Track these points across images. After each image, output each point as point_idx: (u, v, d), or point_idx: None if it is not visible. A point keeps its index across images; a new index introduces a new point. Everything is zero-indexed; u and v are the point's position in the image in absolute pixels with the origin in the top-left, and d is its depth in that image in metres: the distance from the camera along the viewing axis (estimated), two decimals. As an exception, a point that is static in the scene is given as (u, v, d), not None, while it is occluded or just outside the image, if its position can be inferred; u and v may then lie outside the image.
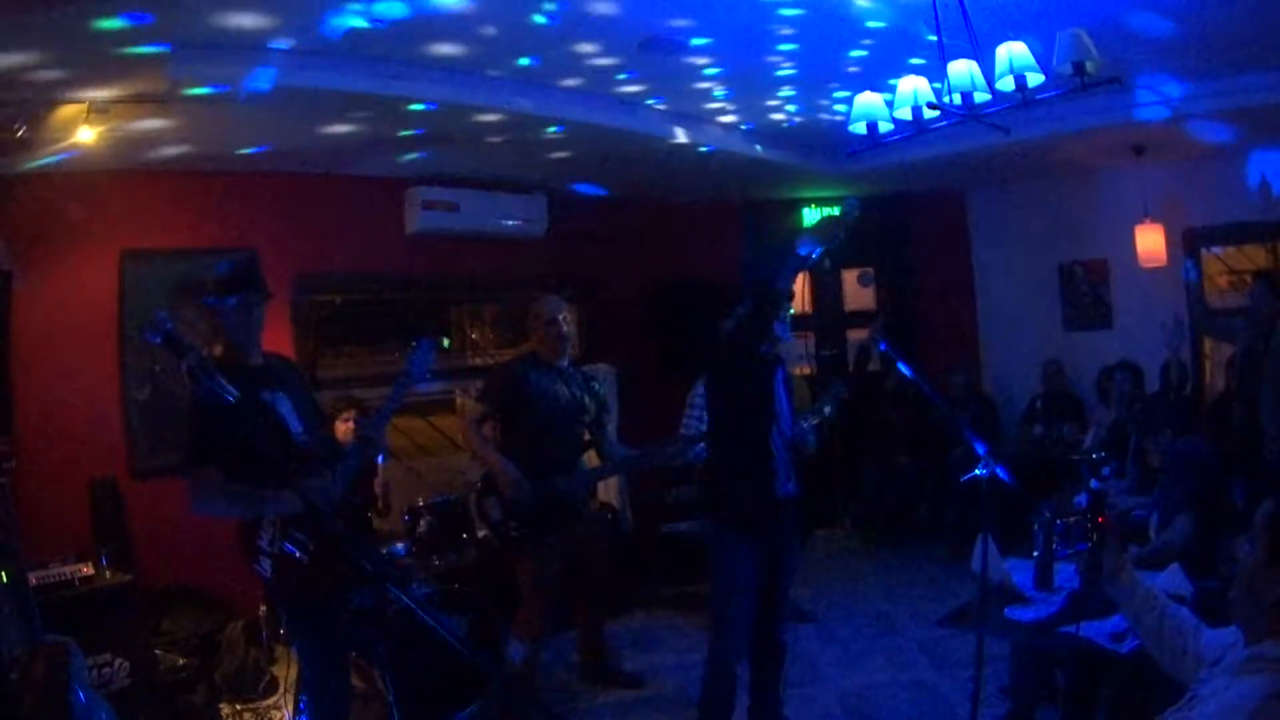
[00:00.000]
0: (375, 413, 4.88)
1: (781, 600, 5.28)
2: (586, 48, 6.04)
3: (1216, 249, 9.24)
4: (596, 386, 6.37)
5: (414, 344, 4.87)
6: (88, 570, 5.59)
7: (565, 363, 6.16)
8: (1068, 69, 4.56)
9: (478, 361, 9.30)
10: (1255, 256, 9.12)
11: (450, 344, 5.76)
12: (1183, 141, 8.24)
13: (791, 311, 5.37)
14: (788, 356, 5.59)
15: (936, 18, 4.86)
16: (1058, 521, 4.69)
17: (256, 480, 4.14)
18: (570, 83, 6.70)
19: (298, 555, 4.18)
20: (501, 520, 5.93)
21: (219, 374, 3.79)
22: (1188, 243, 9.07)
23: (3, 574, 4.34)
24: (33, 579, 5.25)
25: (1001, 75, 4.64)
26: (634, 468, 7.02)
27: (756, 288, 5.13)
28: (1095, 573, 3.35)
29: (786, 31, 5.91)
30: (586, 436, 6.36)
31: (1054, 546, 4.71)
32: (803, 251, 4.98)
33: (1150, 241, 8.66)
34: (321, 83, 5.81)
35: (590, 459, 6.47)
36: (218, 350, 4.45)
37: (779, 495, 5.06)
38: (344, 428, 6.69)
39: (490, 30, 5.57)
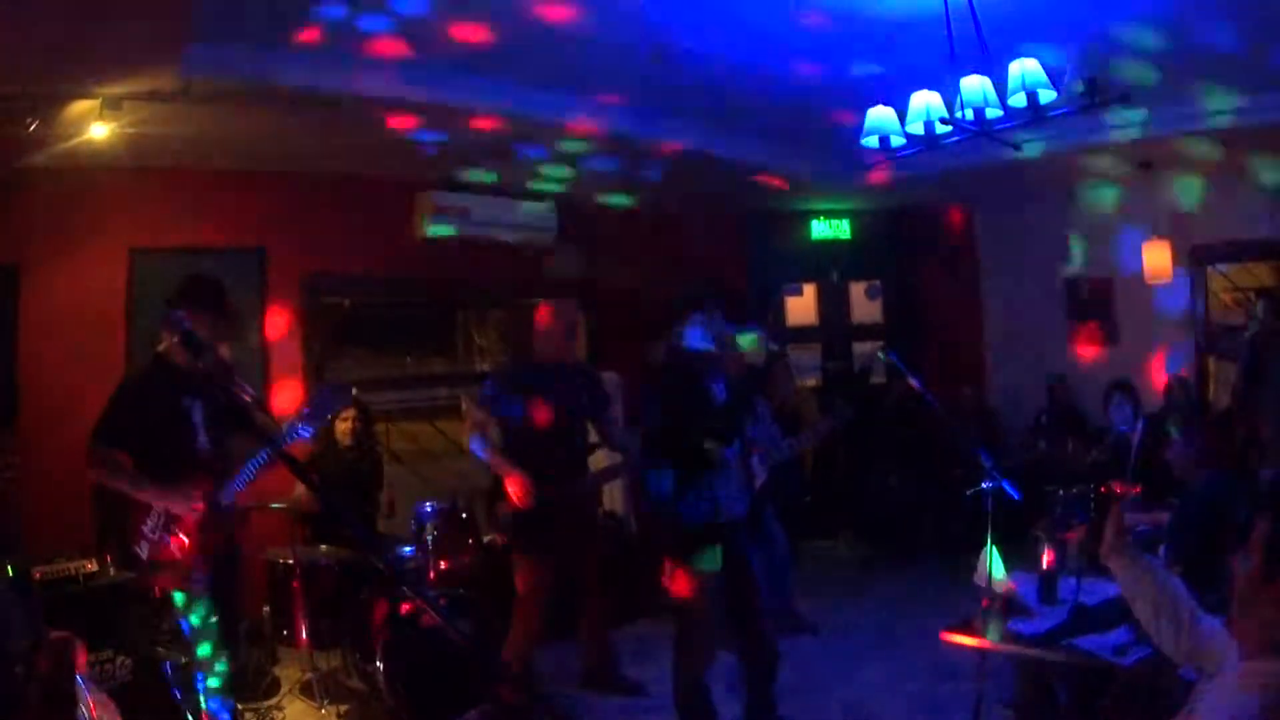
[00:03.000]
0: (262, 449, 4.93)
1: (757, 608, 5.30)
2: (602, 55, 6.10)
3: (1222, 266, 9.21)
4: (596, 382, 6.37)
5: (319, 389, 5.06)
6: (91, 566, 5.61)
7: (564, 362, 6.14)
8: (1079, 86, 4.59)
9: (485, 367, 9.32)
10: (1260, 274, 9.10)
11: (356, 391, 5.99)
12: (1191, 158, 8.27)
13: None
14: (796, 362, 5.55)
15: (950, 33, 4.88)
16: (1059, 493, 4.69)
17: (152, 471, 4.61)
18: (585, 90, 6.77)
19: (173, 547, 4.60)
20: (513, 523, 5.92)
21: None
22: (1194, 259, 9.06)
23: (7, 568, 4.41)
24: (37, 574, 5.30)
25: (1014, 91, 4.65)
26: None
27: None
28: (1096, 542, 3.34)
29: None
30: (593, 438, 6.37)
31: (1057, 517, 4.71)
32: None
33: (1156, 258, 8.64)
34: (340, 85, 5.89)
35: (597, 460, 6.48)
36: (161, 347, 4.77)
37: (721, 522, 5.07)
38: (343, 426, 6.75)
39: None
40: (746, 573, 5.21)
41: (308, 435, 4.90)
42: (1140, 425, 7.23)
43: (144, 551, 4.64)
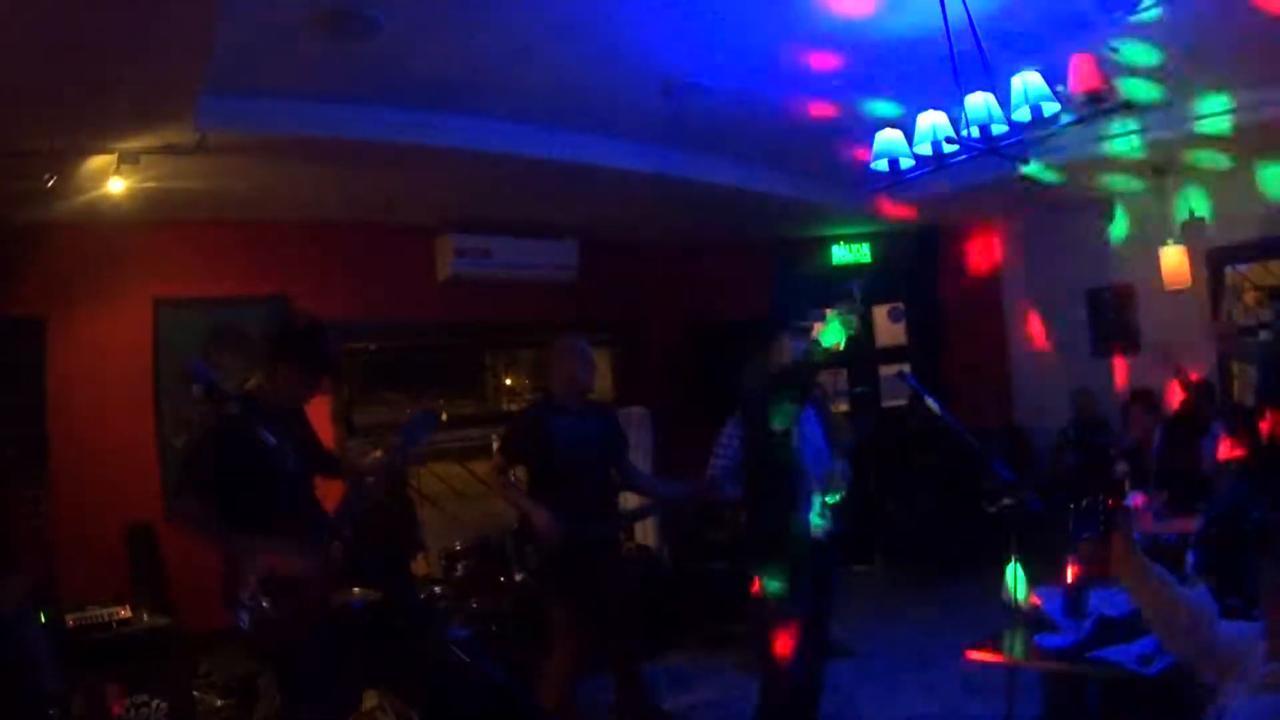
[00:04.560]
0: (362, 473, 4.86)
1: (824, 635, 5.32)
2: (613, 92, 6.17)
3: (1241, 266, 9.14)
4: (613, 422, 6.33)
5: (410, 412, 4.89)
6: (125, 613, 5.68)
7: (582, 401, 6.09)
8: (1081, 96, 4.61)
9: (512, 407, 9.37)
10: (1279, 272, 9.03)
11: (447, 417, 5.80)
12: (1203, 160, 8.25)
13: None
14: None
15: (951, 51, 4.92)
16: (1070, 506, 4.68)
17: (247, 520, 4.17)
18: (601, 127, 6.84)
19: (272, 611, 4.17)
20: (540, 565, 5.89)
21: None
22: (1211, 262, 9.00)
23: (40, 614, 4.46)
24: (71, 620, 5.37)
25: (1018, 105, 4.68)
26: (664, 503, 6.91)
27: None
28: (1103, 555, 3.33)
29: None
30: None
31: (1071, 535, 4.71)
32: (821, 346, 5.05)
33: (1174, 263, 8.60)
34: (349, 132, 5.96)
35: (625, 500, 6.46)
36: (250, 384, 4.47)
37: (810, 539, 5.09)
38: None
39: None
40: (825, 595, 5.28)
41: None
42: (1159, 433, 7.20)
43: (244, 621, 4.18)
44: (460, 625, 6.13)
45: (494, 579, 6.86)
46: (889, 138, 5.29)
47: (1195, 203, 8.77)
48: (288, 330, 4.60)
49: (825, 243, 10.83)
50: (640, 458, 8.48)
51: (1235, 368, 8.89)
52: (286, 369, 4.36)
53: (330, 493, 4.62)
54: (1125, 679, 3.90)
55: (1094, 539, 3.36)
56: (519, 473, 6.03)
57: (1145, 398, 8.03)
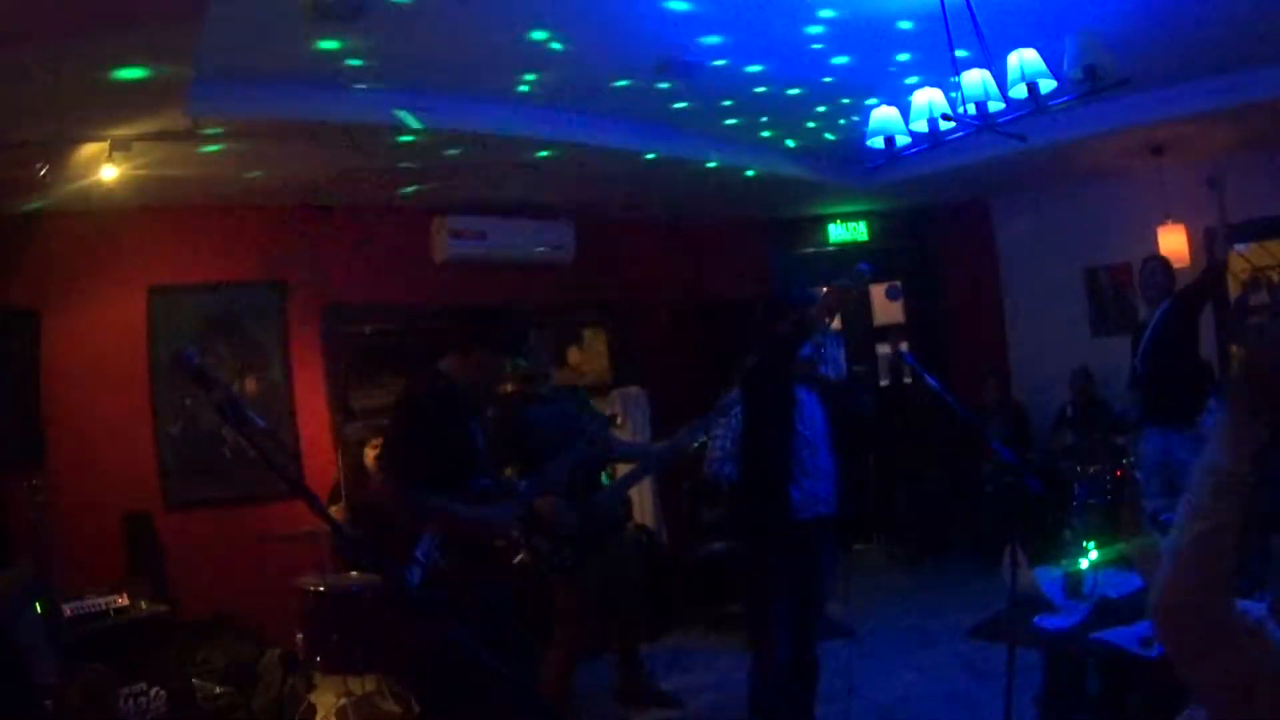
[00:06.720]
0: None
1: (813, 618, 5.29)
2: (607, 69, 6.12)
3: (1240, 246, 9.07)
4: (585, 399, 6.33)
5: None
6: (123, 601, 5.67)
7: (548, 388, 6.10)
8: (1079, 73, 4.58)
9: (509, 388, 9.32)
10: (1278, 252, 8.98)
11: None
12: (1201, 139, 8.23)
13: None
14: (831, 367, 5.56)
15: (948, 29, 4.88)
16: (1077, 469, 4.68)
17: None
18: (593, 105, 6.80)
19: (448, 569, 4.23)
20: (553, 553, 5.86)
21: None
22: (1209, 241, 8.95)
23: (36, 605, 4.44)
24: (68, 610, 5.36)
25: (1014, 83, 4.65)
26: (661, 460, 6.85)
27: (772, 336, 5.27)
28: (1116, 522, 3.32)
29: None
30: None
31: (1075, 498, 4.71)
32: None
33: (1172, 242, 8.54)
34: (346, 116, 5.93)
35: (618, 472, 6.45)
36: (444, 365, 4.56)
37: (800, 518, 5.07)
38: (371, 453, 6.74)
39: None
40: (813, 577, 5.24)
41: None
42: (1164, 305, 7.16)
43: (414, 577, 4.20)
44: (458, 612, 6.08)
45: (493, 565, 6.81)
46: (885, 115, 5.26)
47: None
48: (480, 314, 4.71)
49: (822, 221, 10.78)
50: (637, 437, 8.49)
51: (1234, 350, 8.86)
52: (481, 351, 4.48)
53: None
54: (1126, 661, 3.89)
55: (1101, 506, 3.36)
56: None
57: (1158, 260, 7.75)
